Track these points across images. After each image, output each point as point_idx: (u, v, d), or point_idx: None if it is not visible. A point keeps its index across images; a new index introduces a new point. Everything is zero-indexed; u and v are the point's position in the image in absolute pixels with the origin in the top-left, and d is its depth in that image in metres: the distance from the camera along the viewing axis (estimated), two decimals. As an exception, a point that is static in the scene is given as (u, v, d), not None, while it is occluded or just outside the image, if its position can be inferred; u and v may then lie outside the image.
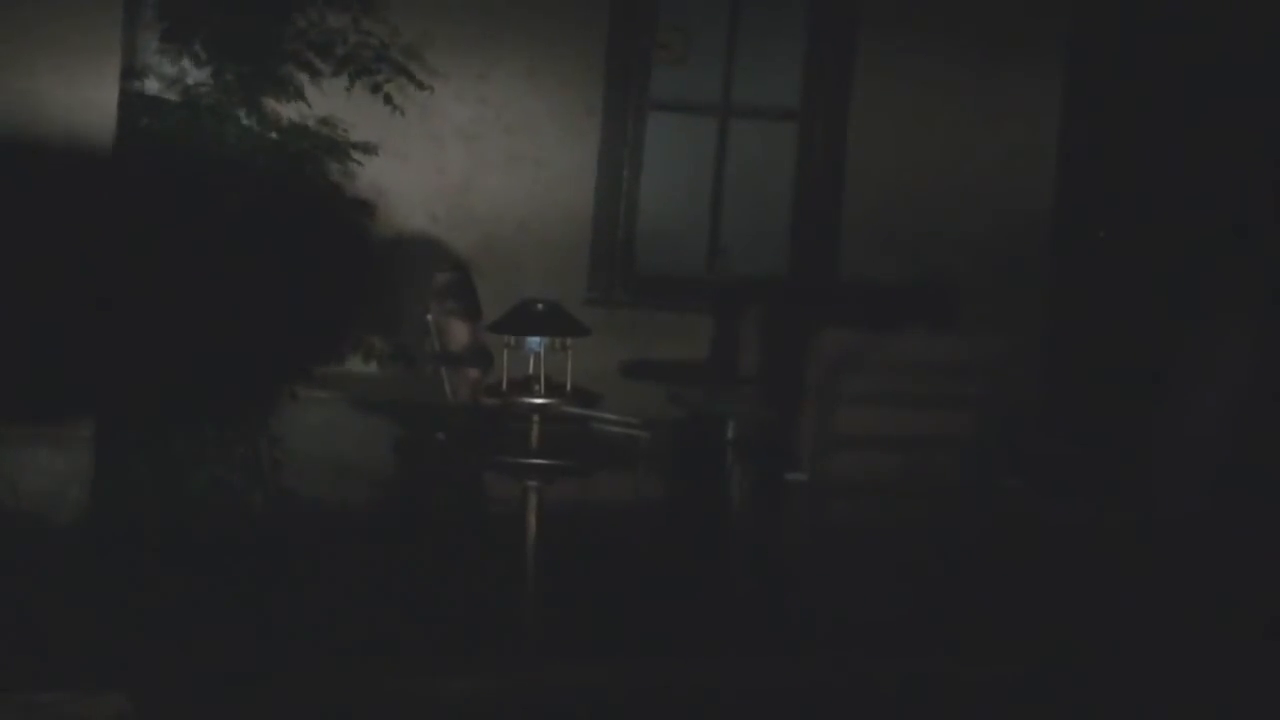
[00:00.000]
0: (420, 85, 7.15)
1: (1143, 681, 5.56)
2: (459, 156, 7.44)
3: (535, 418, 5.50)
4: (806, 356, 5.94)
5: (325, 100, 7.09)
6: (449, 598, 5.78)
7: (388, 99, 7.04)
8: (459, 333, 6.40)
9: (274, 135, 6.89)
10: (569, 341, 5.49)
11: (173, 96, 6.84)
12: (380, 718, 4.99)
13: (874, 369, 5.93)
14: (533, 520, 5.49)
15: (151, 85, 6.90)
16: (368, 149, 7.09)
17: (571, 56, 7.54)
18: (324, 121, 7.05)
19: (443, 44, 7.31)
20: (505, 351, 5.55)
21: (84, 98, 6.14)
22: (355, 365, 7.15)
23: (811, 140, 7.81)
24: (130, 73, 6.67)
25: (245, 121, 6.83)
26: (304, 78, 7.00)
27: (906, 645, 5.68)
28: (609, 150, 7.62)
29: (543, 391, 5.48)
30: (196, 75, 6.91)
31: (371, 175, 7.19)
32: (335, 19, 7.07)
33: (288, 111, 6.98)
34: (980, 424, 6.05)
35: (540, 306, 5.52)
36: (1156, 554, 6.43)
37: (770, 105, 7.84)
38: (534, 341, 5.45)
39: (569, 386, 5.52)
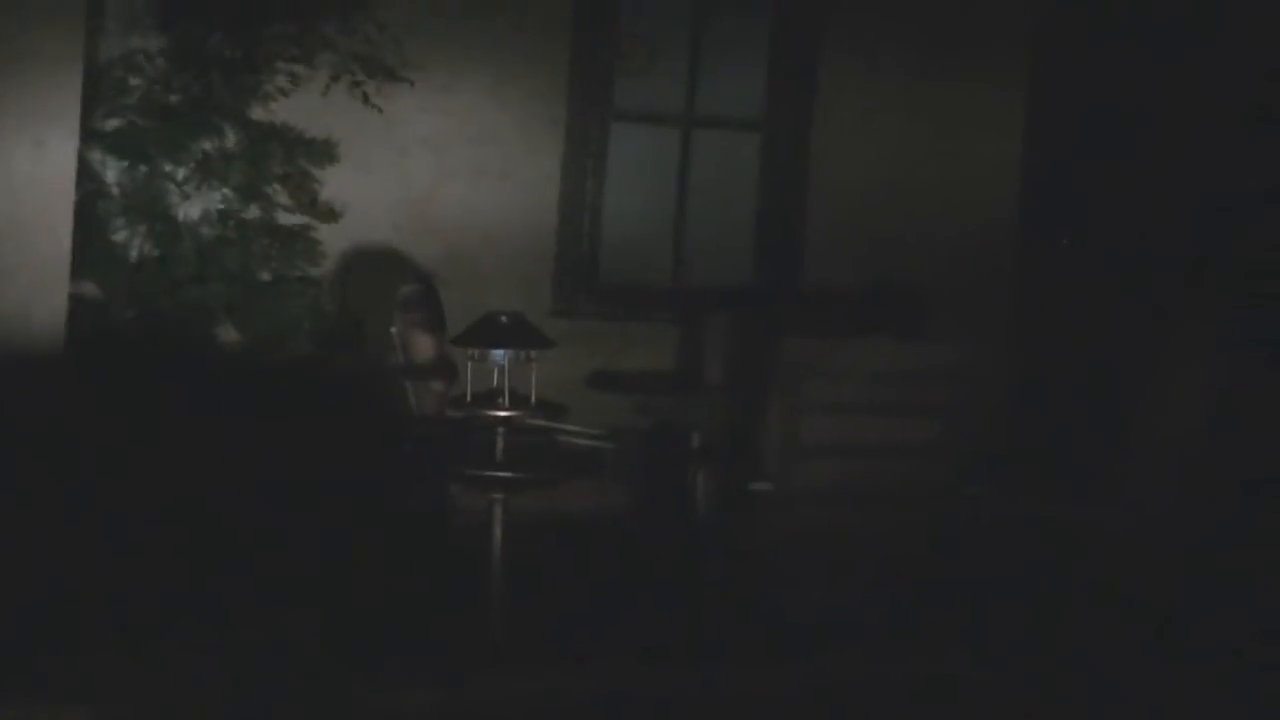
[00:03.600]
0: (398, 78, 7.14)
1: (1114, 684, 5.59)
2: (423, 168, 7.42)
3: (500, 430, 5.51)
4: (772, 365, 5.96)
5: (289, 114, 7.09)
6: (415, 609, 5.77)
7: (365, 98, 7.03)
8: (423, 345, 6.38)
9: (231, 139, 6.87)
10: (534, 353, 5.49)
11: (140, 120, 6.81)
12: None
13: (839, 377, 5.95)
14: (498, 532, 5.49)
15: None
16: (332, 150, 7.07)
17: (535, 68, 7.53)
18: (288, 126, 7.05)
19: (407, 55, 7.30)
20: (470, 364, 5.55)
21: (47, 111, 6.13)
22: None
23: (775, 149, 7.82)
24: (92, 78, 6.64)
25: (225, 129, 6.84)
26: (285, 80, 6.98)
27: (872, 651, 5.70)
28: (573, 161, 7.61)
29: (508, 404, 5.49)
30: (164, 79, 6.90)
31: (335, 187, 7.17)
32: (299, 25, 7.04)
33: (257, 115, 6.98)
34: (946, 430, 6.07)
35: (505, 319, 5.52)
36: (1126, 556, 6.47)
37: (734, 115, 7.84)
38: (499, 354, 5.46)
39: (534, 399, 5.53)
